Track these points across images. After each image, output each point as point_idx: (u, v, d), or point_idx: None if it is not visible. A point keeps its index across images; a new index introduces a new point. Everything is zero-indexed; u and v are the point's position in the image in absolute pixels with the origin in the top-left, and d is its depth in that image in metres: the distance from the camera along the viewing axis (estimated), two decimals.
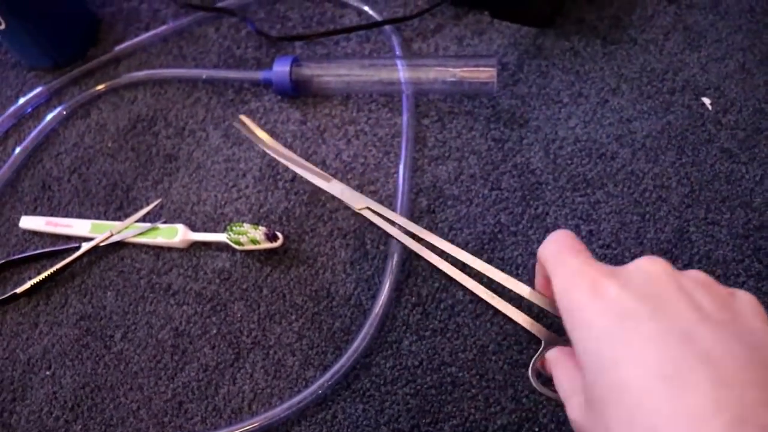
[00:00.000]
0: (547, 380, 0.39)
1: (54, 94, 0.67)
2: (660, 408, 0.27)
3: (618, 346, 0.29)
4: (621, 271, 0.33)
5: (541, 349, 0.41)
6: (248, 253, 0.55)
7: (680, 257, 0.52)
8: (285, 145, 0.60)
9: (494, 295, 0.47)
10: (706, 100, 0.59)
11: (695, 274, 0.33)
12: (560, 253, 0.36)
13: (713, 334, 0.29)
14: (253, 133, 0.57)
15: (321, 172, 0.56)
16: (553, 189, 0.56)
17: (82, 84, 0.67)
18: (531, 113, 0.59)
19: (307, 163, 0.56)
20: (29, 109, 0.66)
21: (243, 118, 0.58)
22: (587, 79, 0.61)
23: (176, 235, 0.56)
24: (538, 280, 0.43)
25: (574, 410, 0.33)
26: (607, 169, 0.56)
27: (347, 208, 0.56)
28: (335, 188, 0.55)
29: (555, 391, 0.37)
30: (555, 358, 0.38)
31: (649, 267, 0.33)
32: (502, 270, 0.47)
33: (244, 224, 0.54)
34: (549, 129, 0.58)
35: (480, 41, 0.64)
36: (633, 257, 0.51)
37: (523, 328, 0.45)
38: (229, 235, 0.54)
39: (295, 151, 0.59)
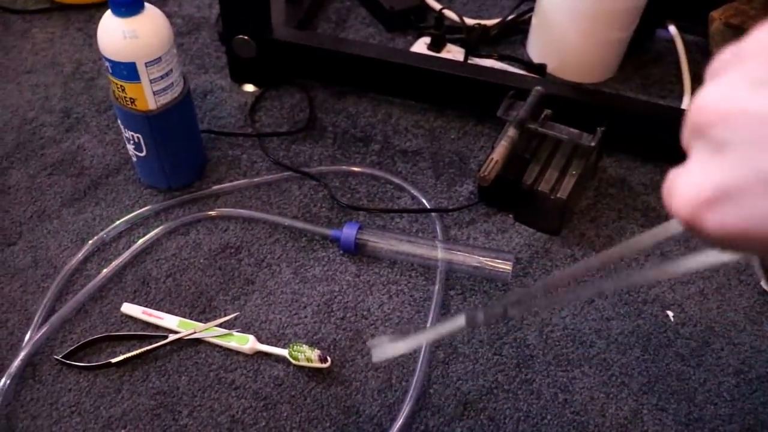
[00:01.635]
0: None
1: (162, 211, 0.85)
2: None
3: None
4: None
5: None
6: (300, 368, 0.70)
7: None
8: (340, 290, 0.76)
9: None
10: (670, 313, 0.76)
11: None
12: None
13: None
14: None
15: None
16: (541, 362, 0.72)
17: (186, 208, 0.85)
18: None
19: None
20: (138, 219, 0.84)
21: None
22: (581, 282, 0.78)
23: (247, 343, 0.71)
24: None
25: None
26: (585, 354, 0.72)
27: None
28: None
29: None
30: None
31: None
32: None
33: (303, 345, 0.69)
34: (545, 315, 0.75)
35: (502, 237, 0.82)
36: (596, 426, 0.67)
37: None
38: (290, 351, 0.69)
39: (347, 298, 0.76)
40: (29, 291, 0.77)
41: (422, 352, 0.71)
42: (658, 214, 0.85)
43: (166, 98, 0.77)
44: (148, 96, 0.76)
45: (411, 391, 0.68)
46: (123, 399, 0.69)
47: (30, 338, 0.72)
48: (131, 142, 0.82)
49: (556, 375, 0.71)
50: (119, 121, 0.81)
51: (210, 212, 0.84)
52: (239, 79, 1.02)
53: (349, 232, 0.78)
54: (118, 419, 0.68)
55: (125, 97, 0.76)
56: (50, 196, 0.87)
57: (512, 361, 0.72)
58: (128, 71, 0.73)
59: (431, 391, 0.69)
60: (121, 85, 0.75)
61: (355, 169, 0.89)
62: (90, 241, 0.81)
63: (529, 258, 0.80)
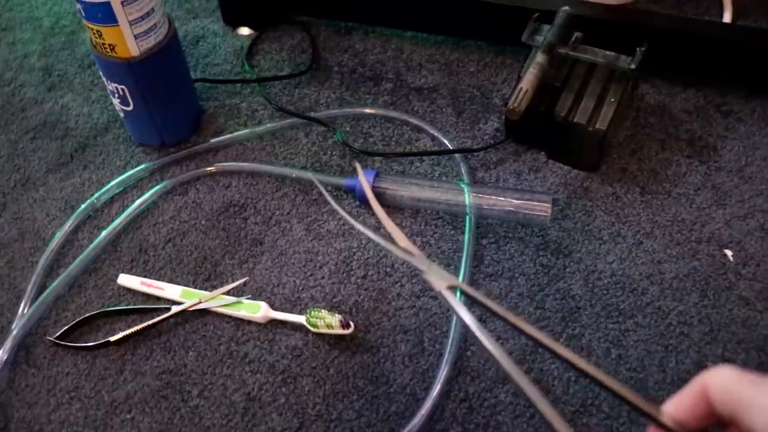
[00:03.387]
0: None
1: (157, 170, 0.77)
2: None
3: None
4: None
5: None
6: (320, 335, 0.63)
7: None
8: (359, 246, 0.69)
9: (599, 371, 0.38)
10: (728, 252, 0.68)
11: None
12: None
13: None
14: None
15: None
16: (589, 314, 0.64)
17: (183, 165, 0.77)
18: (575, 246, 0.68)
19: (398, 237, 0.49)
20: (132, 181, 0.76)
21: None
22: (626, 222, 0.70)
23: (258, 310, 0.64)
24: (686, 405, 0.34)
25: None
26: (637, 303, 0.64)
27: (411, 307, 0.64)
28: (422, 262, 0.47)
29: None
30: None
31: None
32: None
33: (322, 310, 0.62)
34: (590, 261, 0.67)
35: (535, 177, 0.74)
36: (656, 383, 0.59)
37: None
38: (308, 317, 0.62)
39: (368, 254, 0.68)
40: (17, 267, 0.70)
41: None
42: (705, 143, 0.76)
43: (149, 42, 0.69)
44: (128, 40, 0.67)
45: (446, 355, 0.61)
46: (126, 381, 0.62)
47: (20, 319, 0.65)
48: (116, 95, 0.73)
49: (607, 328, 0.63)
50: (101, 73, 0.73)
51: (209, 168, 0.75)
52: (233, 22, 0.93)
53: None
54: (122, 403, 0.61)
55: (104, 44, 0.68)
56: (34, 161, 0.79)
57: (557, 314, 0.64)
58: (103, 13, 0.64)
59: (468, 353, 0.62)
60: (97, 30, 0.67)
61: (367, 111, 0.80)
62: (80, 209, 0.73)
63: (567, 199, 0.72)
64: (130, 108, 0.73)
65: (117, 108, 0.75)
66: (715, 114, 0.79)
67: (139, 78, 0.70)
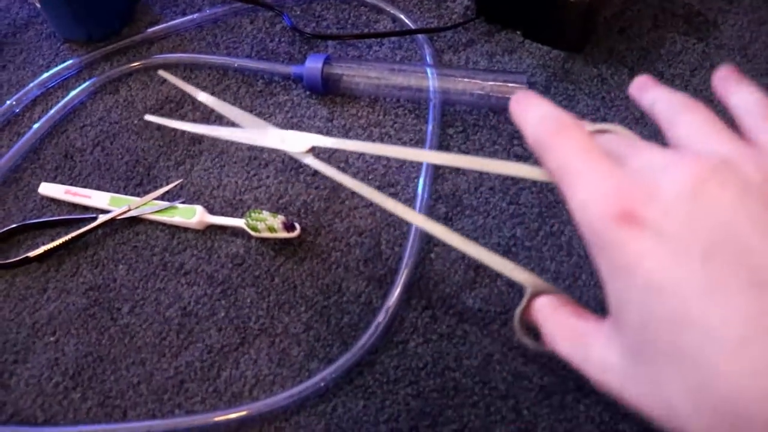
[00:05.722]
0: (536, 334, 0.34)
1: (85, 68, 0.68)
2: None
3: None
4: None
5: (525, 297, 0.35)
6: (263, 240, 0.55)
7: None
8: None
9: (465, 240, 0.38)
10: None
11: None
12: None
13: None
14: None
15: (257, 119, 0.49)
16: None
17: (114, 61, 0.68)
18: None
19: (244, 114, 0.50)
20: (56, 81, 0.67)
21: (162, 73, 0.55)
22: (612, 107, 0.62)
23: (194, 215, 0.56)
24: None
25: (596, 366, 0.29)
26: None
27: (367, 206, 0.57)
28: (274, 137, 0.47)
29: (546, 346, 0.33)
30: (546, 308, 0.34)
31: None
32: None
33: (263, 212, 0.54)
34: None
35: (510, 59, 0.65)
36: None
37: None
38: (247, 220, 0.54)
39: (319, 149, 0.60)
40: None
41: (417, 207, 0.56)
42: (704, 18, 0.67)
43: None
44: None
45: (406, 258, 0.53)
46: (49, 300, 0.55)
47: None
48: None
49: None
50: None
51: (135, 63, 0.67)
52: None
53: (313, 65, 0.61)
54: (45, 324, 0.54)
55: None
56: None
57: (533, 210, 0.56)
58: None
59: (432, 255, 0.55)
60: None
61: None
62: None
63: (545, 81, 0.63)
64: None
65: None
66: None
67: None
